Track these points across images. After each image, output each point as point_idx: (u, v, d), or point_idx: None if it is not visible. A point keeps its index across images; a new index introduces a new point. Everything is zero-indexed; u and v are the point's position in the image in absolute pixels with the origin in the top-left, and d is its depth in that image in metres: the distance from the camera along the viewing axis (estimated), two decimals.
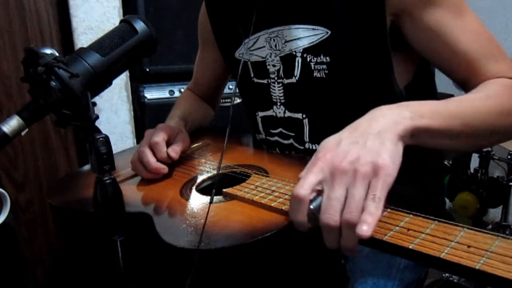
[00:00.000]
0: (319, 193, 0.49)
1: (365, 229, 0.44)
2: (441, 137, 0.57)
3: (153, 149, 0.79)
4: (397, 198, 0.54)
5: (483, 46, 0.69)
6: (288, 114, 0.85)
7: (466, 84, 0.71)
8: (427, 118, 0.55)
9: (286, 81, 0.83)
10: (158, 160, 0.78)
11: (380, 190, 0.46)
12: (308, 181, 0.49)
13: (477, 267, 0.41)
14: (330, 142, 0.52)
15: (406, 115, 0.53)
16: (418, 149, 0.57)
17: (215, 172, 0.79)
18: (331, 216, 0.46)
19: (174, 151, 0.80)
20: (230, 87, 1.66)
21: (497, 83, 0.67)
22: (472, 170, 1.77)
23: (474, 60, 0.68)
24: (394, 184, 0.48)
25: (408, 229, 0.49)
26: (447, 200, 1.76)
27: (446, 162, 1.77)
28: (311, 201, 0.48)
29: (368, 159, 0.47)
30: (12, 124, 0.50)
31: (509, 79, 0.68)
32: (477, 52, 0.68)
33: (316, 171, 0.49)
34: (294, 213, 0.50)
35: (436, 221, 0.50)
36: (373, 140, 0.49)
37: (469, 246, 0.44)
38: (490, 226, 1.74)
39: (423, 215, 0.51)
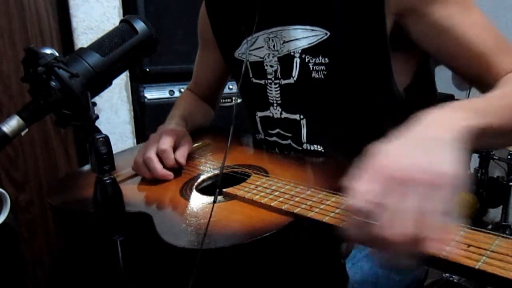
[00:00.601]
0: (375, 204, 0.44)
1: (440, 247, 0.41)
2: (494, 136, 0.55)
3: (161, 157, 0.79)
4: None
5: (492, 39, 0.68)
6: (284, 115, 0.85)
7: (479, 79, 0.70)
8: (481, 118, 0.51)
9: (283, 81, 0.83)
10: (165, 167, 0.78)
11: (443, 202, 0.41)
12: (365, 192, 0.43)
13: (476, 267, 0.41)
14: (385, 147, 0.47)
15: (462, 118, 0.49)
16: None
17: (215, 172, 0.79)
18: (391, 230, 0.41)
19: (182, 157, 0.80)
20: (230, 87, 1.66)
21: None
22: (472, 170, 1.77)
23: (485, 54, 0.67)
24: None
25: None
26: None
27: None
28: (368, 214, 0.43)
29: (431, 169, 0.42)
30: (12, 124, 0.50)
31: None
32: (487, 46, 0.67)
33: (372, 180, 0.44)
34: (351, 227, 0.45)
35: None
36: (434, 148, 0.45)
37: (469, 246, 0.44)
38: (490, 226, 1.74)
39: None
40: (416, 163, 0.43)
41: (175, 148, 0.82)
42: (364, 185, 0.44)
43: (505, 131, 0.56)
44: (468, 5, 0.68)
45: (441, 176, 0.42)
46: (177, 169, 0.82)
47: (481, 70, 0.68)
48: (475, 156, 1.74)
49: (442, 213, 0.41)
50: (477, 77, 0.70)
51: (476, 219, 1.73)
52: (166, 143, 0.80)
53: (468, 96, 2.23)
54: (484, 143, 0.54)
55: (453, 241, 0.45)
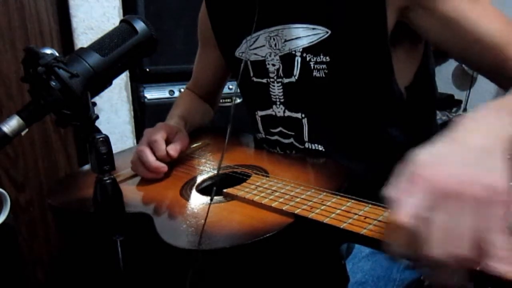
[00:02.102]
0: (422, 219, 0.39)
1: (502, 266, 0.36)
2: None
3: (152, 147, 0.79)
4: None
5: (504, 28, 0.66)
6: (287, 113, 0.85)
7: (495, 72, 0.67)
8: None
9: (285, 80, 0.83)
10: (157, 158, 0.78)
11: (501, 219, 0.37)
12: (411, 205, 0.39)
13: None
14: (426, 155, 0.42)
15: (507, 122, 0.46)
16: (409, 144, 0.55)
17: (215, 172, 0.79)
18: (440, 248, 0.37)
19: (173, 150, 0.80)
20: (230, 87, 1.66)
21: None
22: None
23: (498, 44, 0.65)
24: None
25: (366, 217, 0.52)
26: None
27: None
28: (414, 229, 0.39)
29: (482, 181, 0.38)
30: (12, 124, 0.50)
31: None
32: (500, 35, 0.65)
33: (418, 192, 0.39)
34: (397, 243, 0.40)
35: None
36: (482, 157, 0.41)
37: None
38: None
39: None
40: (469, 175, 0.39)
41: (168, 142, 0.82)
42: (408, 197, 0.40)
43: None
44: None
45: (495, 190, 0.38)
46: (177, 169, 0.82)
47: (496, 62, 0.66)
48: None
49: (499, 231, 0.37)
50: (493, 70, 0.67)
51: None
52: (158, 134, 0.80)
53: (468, 96, 2.24)
54: None
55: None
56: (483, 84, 2.16)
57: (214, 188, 0.61)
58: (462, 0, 0.65)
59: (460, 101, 2.27)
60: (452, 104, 2.26)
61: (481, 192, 0.38)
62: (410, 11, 0.69)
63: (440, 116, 2.18)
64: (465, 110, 2.21)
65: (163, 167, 0.78)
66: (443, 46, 0.70)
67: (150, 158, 0.77)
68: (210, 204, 0.61)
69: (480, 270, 0.38)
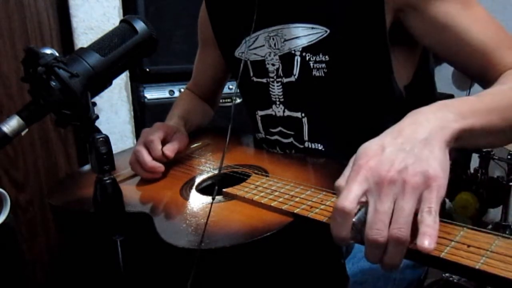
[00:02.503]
0: (363, 205, 0.44)
1: (427, 242, 0.40)
2: (483, 135, 0.54)
3: (148, 147, 0.79)
4: None
5: (495, 35, 0.67)
6: (287, 113, 0.85)
7: (482, 76, 0.69)
8: (470, 118, 0.51)
9: (285, 80, 0.83)
10: (153, 158, 0.78)
11: (435, 203, 0.42)
12: (353, 192, 0.44)
13: (477, 267, 0.41)
14: (371, 147, 0.47)
15: (450, 118, 0.49)
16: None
17: (215, 172, 0.79)
18: (379, 231, 0.42)
19: (169, 150, 0.80)
20: (230, 87, 1.66)
21: None
22: (472, 170, 1.77)
23: (487, 49, 0.66)
24: None
25: None
26: (447, 200, 1.77)
27: None
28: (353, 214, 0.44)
29: (418, 169, 0.43)
30: (12, 124, 0.50)
31: None
32: (490, 41, 0.66)
33: (360, 180, 0.44)
34: (337, 227, 0.45)
35: None
36: (421, 148, 0.45)
37: (468, 246, 0.44)
38: (490, 226, 1.74)
39: None
40: (405, 164, 0.43)
41: (166, 142, 0.82)
42: (352, 185, 0.44)
43: (495, 130, 0.55)
44: (469, 1, 0.67)
45: (430, 177, 0.42)
46: (177, 169, 0.82)
47: (482, 67, 0.68)
48: (475, 156, 1.74)
49: (431, 213, 0.41)
50: (479, 74, 0.69)
51: (476, 219, 1.73)
52: (155, 134, 0.80)
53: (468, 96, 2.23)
54: (474, 143, 0.54)
55: (451, 241, 0.45)
56: None
57: (216, 188, 0.61)
58: (454, 5, 0.66)
59: None
60: None
61: (415, 179, 0.42)
62: (404, 13, 0.69)
63: None
64: None
65: (159, 167, 0.78)
66: (434, 48, 0.71)
67: (146, 158, 0.77)
68: (211, 203, 0.61)
69: (411, 248, 0.42)
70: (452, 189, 1.75)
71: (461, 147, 0.52)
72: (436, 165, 0.44)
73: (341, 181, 0.47)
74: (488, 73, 0.67)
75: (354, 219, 0.44)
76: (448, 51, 0.70)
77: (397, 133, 0.48)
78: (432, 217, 0.41)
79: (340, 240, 0.45)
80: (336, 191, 0.47)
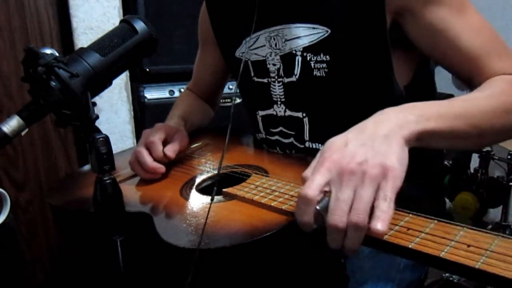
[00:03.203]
0: (325, 194, 0.49)
1: (380, 225, 0.45)
2: (446, 139, 0.57)
3: (149, 148, 0.79)
4: (397, 198, 0.55)
5: (486, 43, 0.69)
6: (288, 113, 0.85)
7: (470, 81, 0.71)
8: (432, 121, 0.54)
9: (286, 80, 0.83)
10: (154, 159, 0.78)
11: (391, 191, 0.46)
12: (316, 181, 0.48)
13: (476, 266, 0.41)
14: (336, 142, 0.52)
15: (411, 119, 0.53)
16: (417, 149, 0.57)
17: (215, 172, 0.79)
18: (338, 217, 0.46)
19: (170, 151, 0.80)
20: (230, 87, 1.66)
21: (501, 80, 0.66)
22: (472, 170, 1.77)
23: (476, 57, 0.68)
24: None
25: (408, 229, 0.49)
26: (447, 200, 1.76)
27: (446, 162, 1.77)
28: (317, 202, 0.48)
29: (376, 161, 0.47)
30: (12, 124, 0.50)
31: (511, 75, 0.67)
32: (480, 49, 0.68)
33: (324, 171, 0.49)
34: (300, 213, 0.49)
35: (435, 221, 0.50)
36: (381, 143, 0.49)
37: (468, 246, 0.44)
38: (490, 226, 1.74)
39: (423, 214, 0.51)
40: (365, 157, 0.48)
41: (167, 143, 0.82)
42: (316, 176, 0.48)
43: (460, 135, 0.58)
44: (464, 8, 0.69)
45: (387, 169, 0.47)
46: (177, 169, 0.82)
47: (471, 72, 0.70)
48: (475, 156, 1.74)
49: (387, 201, 0.46)
50: (467, 79, 0.71)
51: (476, 219, 1.73)
52: (156, 135, 0.80)
53: None
54: (438, 144, 0.57)
55: (451, 241, 0.45)
56: None
57: (215, 188, 0.61)
58: (449, 11, 0.68)
59: None
60: None
61: (374, 170, 0.46)
62: (401, 16, 0.70)
63: None
64: None
65: (160, 168, 0.78)
66: (427, 52, 0.73)
67: (147, 159, 0.77)
68: (210, 203, 0.61)
69: (368, 235, 0.46)
70: (452, 189, 1.75)
71: (426, 147, 0.55)
72: (394, 158, 0.48)
73: (307, 172, 0.51)
74: (475, 79, 0.69)
75: (318, 207, 0.48)
76: (440, 55, 0.71)
77: (360, 130, 0.53)
78: (386, 204, 0.45)
79: (303, 225, 0.49)
80: (302, 181, 0.51)
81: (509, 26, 2.06)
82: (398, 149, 0.49)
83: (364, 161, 0.47)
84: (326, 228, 0.48)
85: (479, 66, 0.68)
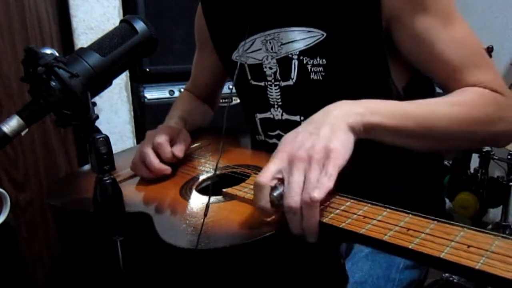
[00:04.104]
0: (281, 181, 0.53)
1: (316, 193, 0.49)
2: (394, 135, 0.61)
3: (157, 150, 0.79)
4: (397, 198, 0.55)
5: (466, 55, 0.69)
6: (285, 116, 0.85)
7: (445, 88, 0.72)
8: (378, 116, 0.58)
9: (283, 83, 0.83)
10: (162, 160, 0.78)
11: (331, 167, 0.51)
12: (268, 170, 0.53)
13: (477, 267, 0.41)
14: (289, 136, 0.57)
15: (358, 111, 0.57)
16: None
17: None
18: (291, 197, 0.50)
19: (179, 150, 0.80)
20: (230, 87, 1.65)
21: (471, 91, 0.68)
22: (472, 170, 1.77)
23: (454, 68, 0.69)
24: (394, 185, 0.48)
25: (408, 229, 0.49)
26: (447, 200, 1.77)
27: (446, 162, 1.77)
28: (273, 189, 0.52)
29: (321, 146, 0.52)
30: (12, 124, 0.50)
31: (486, 89, 0.68)
32: (459, 61, 0.69)
33: (276, 161, 0.54)
34: (256, 200, 0.53)
35: (436, 221, 0.50)
36: (326, 130, 0.54)
37: (469, 246, 0.44)
38: (490, 226, 1.74)
39: (423, 215, 0.51)
40: (311, 144, 0.53)
41: (172, 144, 0.82)
42: (271, 165, 0.53)
43: (410, 134, 0.61)
44: (450, 18, 0.69)
45: (330, 150, 0.52)
46: (177, 169, 0.82)
47: (449, 82, 0.71)
48: (475, 156, 1.74)
49: (327, 176, 0.50)
50: (443, 86, 0.73)
51: (476, 219, 1.73)
52: (162, 137, 0.80)
53: None
54: (387, 139, 0.61)
55: (451, 242, 0.45)
56: None
57: (211, 188, 0.61)
58: (434, 21, 0.68)
59: None
60: None
61: (319, 154, 0.52)
62: (390, 23, 0.71)
63: None
64: None
65: (167, 169, 0.78)
66: (409, 58, 0.73)
67: (154, 160, 0.77)
68: (207, 204, 0.61)
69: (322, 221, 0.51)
70: (452, 189, 1.75)
71: (375, 140, 0.60)
72: (336, 142, 0.53)
73: (264, 164, 0.56)
74: (449, 87, 0.71)
75: (274, 194, 0.52)
76: (420, 63, 0.72)
77: (309, 121, 0.58)
78: (326, 178, 0.50)
79: (262, 210, 0.54)
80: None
81: (509, 26, 2.06)
82: (341, 134, 0.54)
83: (311, 147, 0.52)
84: (284, 212, 0.52)
85: (456, 77, 0.69)
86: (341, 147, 0.53)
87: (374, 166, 0.79)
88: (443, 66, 0.70)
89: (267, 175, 0.53)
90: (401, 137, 0.61)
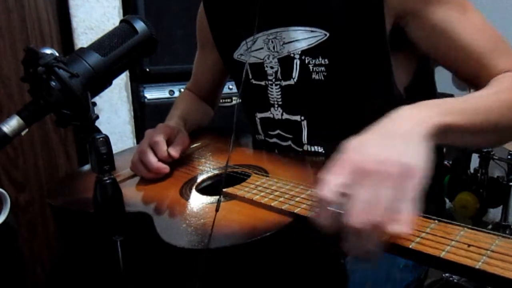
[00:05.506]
0: (345, 195, 0.46)
1: (398, 227, 0.42)
2: (465, 134, 0.56)
3: (153, 148, 0.79)
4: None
5: (489, 41, 0.69)
6: (285, 116, 0.85)
7: (474, 80, 0.71)
8: (451, 116, 0.53)
9: (284, 83, 0.83)
10: (159, 159, 0.78)
11: (411, 191, 0.44)
12: (333, 182, 0.46)
13: (477, 267, 0.41)
14: (354, 143, 0.49)
15: (429, 115, 0.52)
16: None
17: (215, 172, 0.79)
18: (357, 218, 0.43)
19: (175, 150, 0.80)
20: (230, 87, 1.66)
21: (508, 77, 0.66)
22: (472, 170, 1.77)
23: (480, 55, 0.68)
24: None
25: None
26: (447, 200, 1.77)
27: (446, 162, 1.77)
28: (336, 204, 0.46)
29: (395, 160, 0.45)
30: (12, 124, 0.50)
31: None
32: (484, 47, 0.68)
33: (341, 172, 0.46)
34: (319, 216, 0.47)
35: (436, 221, 0.50)
36: (400, 141, 0.48)
37: (469, 246, 0.44)
38: (490, 226, 1.74)
39: (423, 215, 0.51)
40: (385, 156, 0.46)
41: (170, 143, 0.82)
42: (334, 177, 0.46)
43: (477, 130, 0.58)
44: (466, 7, 0.69)
45: (408, 168, 0.45)
46: (177, 169, 0.82)
47: (477, 71, 0.69)
48: (475, 156, 1.74)
49: (408, 202, 0.43)
50: (473, 78, 0.71)
51: (476, 219, 1.73)
52: (159, 136, 0.81)
53: None
54: (456, 140, 0.57)
55: (451, 241, 0.45)
56: None
57: (222, 184, 0.61)
58: (451, 11, 0.68)
59: None
60: None
61: (393, 169, 0.44)
62: (402, 18, 0.70)
63: None
64: None
65: (165, 168, 0.78)
66: (430, 53, 0.72)
67: (152, 159, 0.77)
68: (216, 211, 0.61)
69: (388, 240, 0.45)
70: (452, 189, 1.75)
71: (444, 144, 0.55)
72: (415, 156, 0.46)
73: (325, 174, 0.48)
74: (481, 78, 0.69)
75: (336, 209, 0.45)
76: (443, 56, 0.71)
77: (378, 129, 0.51)
78: (407, 205, 0.43)
79: (322, 227, 0.47)
80: (319, 184, 0.48)
81: (509, 26, 2.06)
82: (418, 147, 0.47)
83: (384, 160, 0.45)
84: (345, 230, 0.45)
85: (483, 64, 0.68)
86: (421, 163, 0.46)
87: None
88: (468, 54, 0.68)
89: (332, 188, 0.46)
90: (471, 134, 0.57)
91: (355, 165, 0.46)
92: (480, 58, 0.68)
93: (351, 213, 0.44)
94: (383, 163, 0.45)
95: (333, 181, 0.46)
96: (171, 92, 1.65)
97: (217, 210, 0.57)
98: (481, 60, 0.68)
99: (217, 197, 0.66)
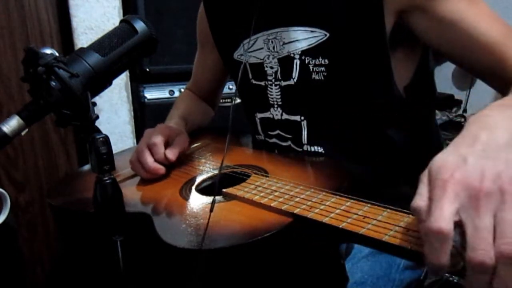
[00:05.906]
0: (460, 224, 0.38)
1: None
2: None
3: (151, 150, 0.79)
4: (397, 199, 0.55)
5: (502, 29, 0.67)
6: (285, 116, 0.85)
7: (491, 72, 0.68)
8: None
9: (283, 83, 0.83)
10: (156, 160, 0.78)
11: None
12: (446, 210, 0.37)
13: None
14: (449, 159, 0.41)
15: None
16: (417, 150, 0.56)
17: (215, 172, 0.79)
18: (484, 252, 0.35)
19: (172, 153, 0.80)
20: (230, 87, 1.66)
21: None
22: None
23: (495, 44, 0.66)
24: (394, 185, 0.47)
25: (408, 229, 0.49)
26: None
27: None
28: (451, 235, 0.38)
29: (510, 174, 0.37)
30: (12, 124, 0.50)
31: None
32: (498, 35, 0.66)
33: (450, 196, 0.38)
34: (435, 253, 0.38)
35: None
36: (507, 152, 0.40)
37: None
38: None
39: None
40: (498, 171, 0.38)
41: (169, 144, 0.82)
42: (443, 203, 0.38)
43: None
44: None
45: None
46: (177, 169, 0.82)
47: (492, 62, 0.67)
48: None
49: None
50: (488, 70, 0.68)
51: None
52: (158, 137, 0.80)
53: (468, 96, 2.23)
54: None
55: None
56: (483, 84, 2.14)
57: (214, 197, 0.61)
58: (459, 2, 0.66)
59: (460, 101, 2.26)
60: (452, 104, 2.26)
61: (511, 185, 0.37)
62: (408, 14, 0.69)
63: (440, 116, 2.18)
64: (465, 110, 2.21)
65: (160, 168, 0.78)
66: (441, 47, 0.70)
67: (149, 159, 0.78)
68: (210, 212, 0.61)
69: None
70: None
71: None
72: None
73: (419, 202, 0.40)
74: (498, 69, 0.66)
75: (454, 244, 0.38)
76: (456, 49, 0.69)
77: (472, 140, 0.42)
78: None
79: (440, 269, 0.39)
80: (415, 214, 0.41)
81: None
82: None
83: (498, 176, 0.37)
84: (468, 268, 0.37)
85: (499, 53, 0.65)
86: None
87: (374, 166, 0.79)
88: (483, 44, 0.66)
89: (448, 218, 0.37)
90: None
91: (464, 186, 0.38)
92: (495, 48, 0.65)
93: (472, 245, 0.36)
94: (497, 180, 0.37)
95: (443, 208, 0.37)
96: (171, 92, 1.65)
97: (211, 210, 0.57)
98: (497, 50, 0.66)
99: (218, 197, 0.66)
